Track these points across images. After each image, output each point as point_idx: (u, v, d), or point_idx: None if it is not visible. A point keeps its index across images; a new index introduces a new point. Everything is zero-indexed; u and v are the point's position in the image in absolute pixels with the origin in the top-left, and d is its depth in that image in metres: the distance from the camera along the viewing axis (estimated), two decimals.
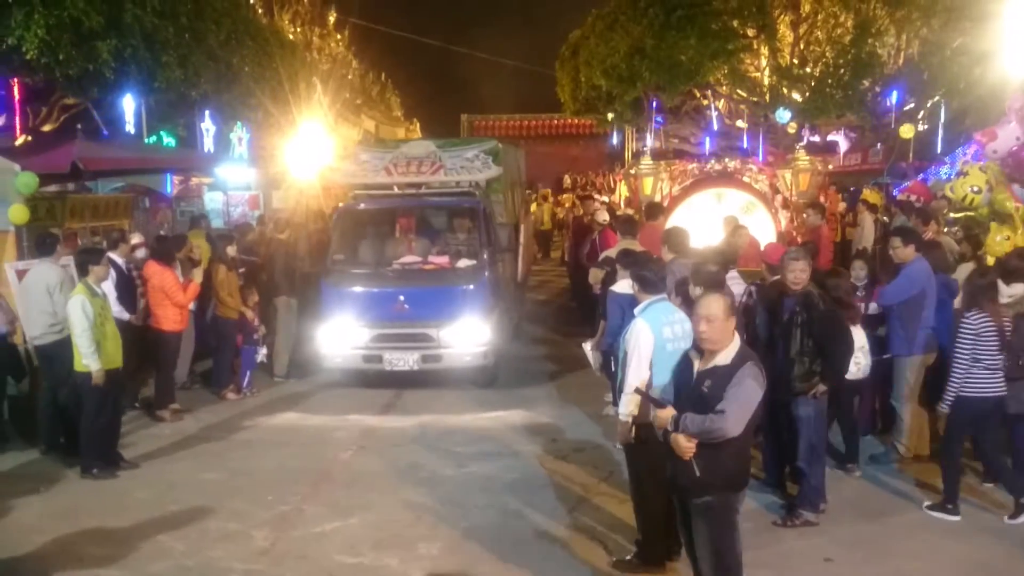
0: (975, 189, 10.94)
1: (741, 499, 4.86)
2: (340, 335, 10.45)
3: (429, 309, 10.24)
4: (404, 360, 10.25)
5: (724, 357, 4.64)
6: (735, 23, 19.65)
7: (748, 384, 4.51)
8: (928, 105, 19.53)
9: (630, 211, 15.70)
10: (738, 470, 4.74)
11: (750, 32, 20.05)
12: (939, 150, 17.44)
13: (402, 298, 10.29)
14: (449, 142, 12.01)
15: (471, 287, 10.34)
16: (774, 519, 6.72)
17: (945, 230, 11.24)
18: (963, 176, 11.26)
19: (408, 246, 11.44)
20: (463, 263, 10.66)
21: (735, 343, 4.69)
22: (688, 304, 6.03)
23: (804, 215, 12.89)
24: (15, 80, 12.46)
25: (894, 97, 18.94)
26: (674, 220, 12.78)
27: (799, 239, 12.59)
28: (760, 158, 18.38)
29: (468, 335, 10.24)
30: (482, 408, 10.05)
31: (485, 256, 10.60)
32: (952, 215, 11.80)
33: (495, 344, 10.56)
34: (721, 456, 4.57)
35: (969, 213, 11.25)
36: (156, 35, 12.89)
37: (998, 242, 9.83)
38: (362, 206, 11.55)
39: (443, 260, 10.85)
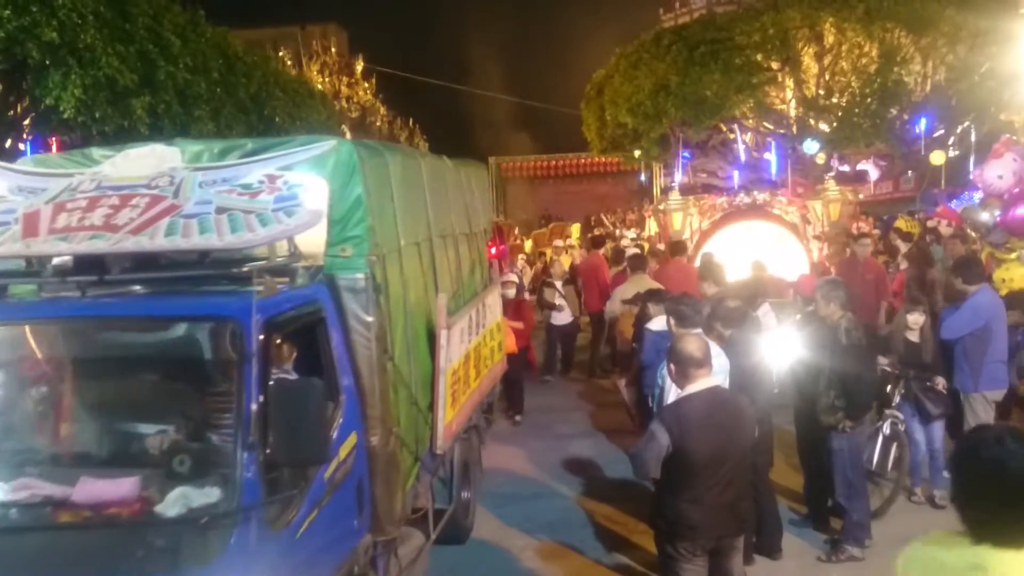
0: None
1: (682, 551, 4.60)
2: None
3: None
4: None
5: None
6: (759, 56, 19.75)
7: (648, 431, 4.63)
8: (958, 131, 19.45)
9: (645, 246, 15.75)
10: (653, 512, 4.86)
11: (774, 65, 20.11)
12: (971, 175, 17.31)
13: None
14: (232, 146, 4.87)
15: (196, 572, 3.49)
16: (818, 555, 6.59)
17: None
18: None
19: (61, 443, 4.43)
20: (179, 499, 3.66)
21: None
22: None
23: (847, 250, 12.65)
24: (53, 138, 12.81)
25: (923, 124, 18.88)
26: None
27: (832, 269, 12.48)
28: (789, 189, 18.33)
29: None
30: None
31: (254, 469, 3.67)
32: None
33: None
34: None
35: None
36: (189, 90, 13.24)
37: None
38: None
39: (122, 493, 3.72)
